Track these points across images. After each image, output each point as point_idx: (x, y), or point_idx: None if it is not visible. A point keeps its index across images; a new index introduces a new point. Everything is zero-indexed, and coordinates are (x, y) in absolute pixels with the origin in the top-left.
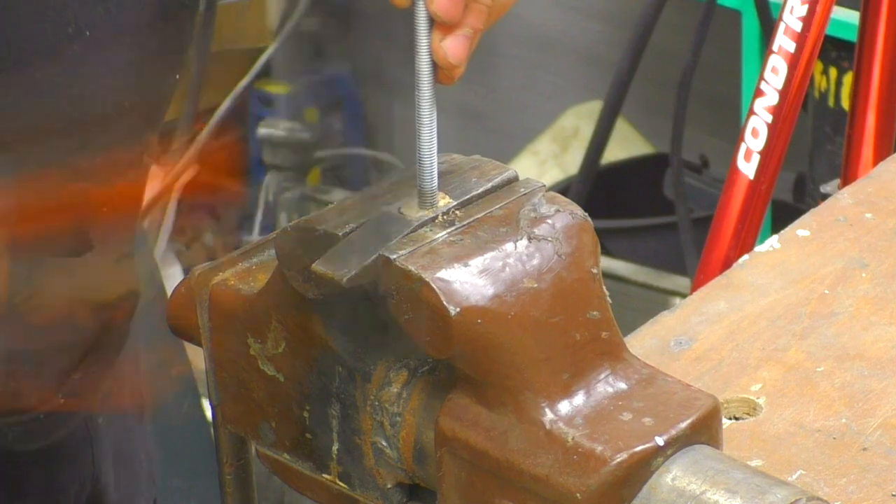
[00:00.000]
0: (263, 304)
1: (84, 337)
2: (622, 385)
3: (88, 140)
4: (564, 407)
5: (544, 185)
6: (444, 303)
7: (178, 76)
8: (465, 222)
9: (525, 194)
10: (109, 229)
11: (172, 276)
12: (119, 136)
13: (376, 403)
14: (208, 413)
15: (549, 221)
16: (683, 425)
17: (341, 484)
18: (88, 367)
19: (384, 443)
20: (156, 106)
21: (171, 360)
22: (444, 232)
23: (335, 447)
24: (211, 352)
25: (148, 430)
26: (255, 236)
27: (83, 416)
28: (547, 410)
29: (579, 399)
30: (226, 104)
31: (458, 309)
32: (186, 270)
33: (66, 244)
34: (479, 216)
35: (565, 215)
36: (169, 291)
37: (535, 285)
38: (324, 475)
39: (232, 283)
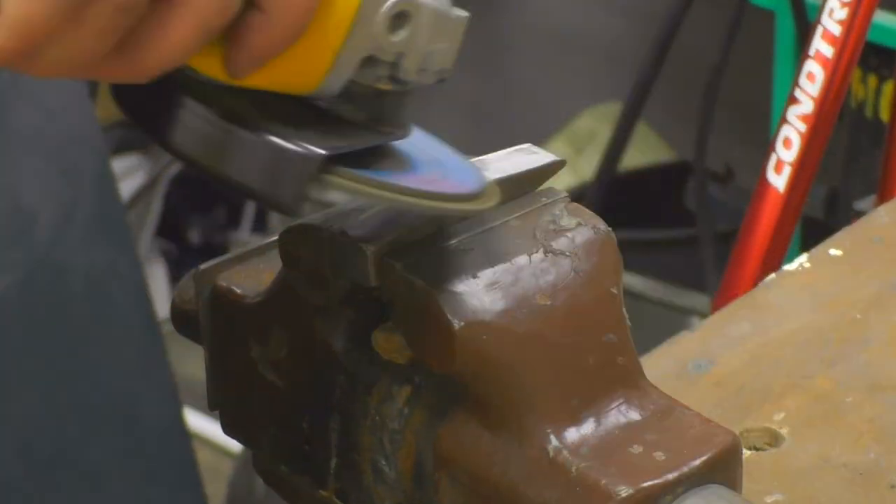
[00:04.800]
0: (266, 307)
1: None
2: (635, 415)
3: None
4: (571, 434)
5: (567, 196)
6: (448, 315)
7: None
8: (478, 230)
9: (546, 204)
10: None
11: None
12: None
13: (377, 418)
14: (189, 422)
15: (569, 235)
16: (697, 462)
17: (338, 501)
18: None
19: (383, 461)
20: None
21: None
22: (455, 239)
23: (333, 462)
24: (211, 353)
25: None
26: (245, 234)
27: None
28: (552, 437)
29: (588, 427)
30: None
31: (462, 322)
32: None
33: None
34: (493, 224)
35: (587, 229)
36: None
37: (549, 302)
38: (321, 491)
39: (236, 282)
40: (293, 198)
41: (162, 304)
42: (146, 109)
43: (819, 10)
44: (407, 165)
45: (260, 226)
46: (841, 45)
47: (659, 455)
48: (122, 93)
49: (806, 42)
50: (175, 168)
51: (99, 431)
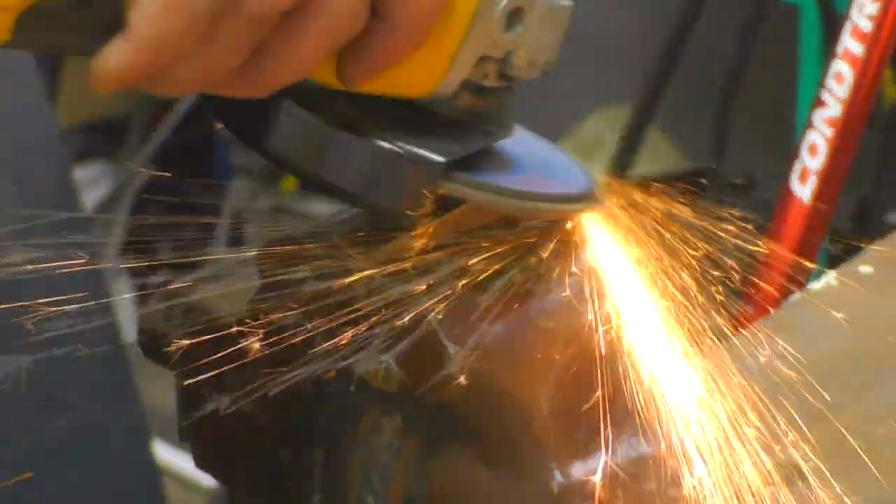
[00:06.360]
0: (244, 328)
1: None
2: (647, 449)
3: None
4: (577, 470)
5: None
6: (443, 339)
7: None
8: None
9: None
10: None
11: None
12: None
13: (364, 451)
14: (158, 455)
15: (578, 253)
16: None
17: None
18: None
19: (371, 498)
20: None
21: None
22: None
23: (316, 498)
24: (182, 379)
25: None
26: (220, 249)
27: None
28: (556, 472)
29: (595, 461)
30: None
31: (458, 346)
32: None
33: None
34: None
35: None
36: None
37: (552, 325)
38: None
39: (210, 302)
40: (411, 204)
41: (129, 325)
42: (241, 114)
43: (847, 4)
44: (512, 166)
45: (235, 240)
46: (871, 42)
47: (673, 492)
48: (213, 97)
49: (833, 39)
50: (143, 177)
51: (59, 464)
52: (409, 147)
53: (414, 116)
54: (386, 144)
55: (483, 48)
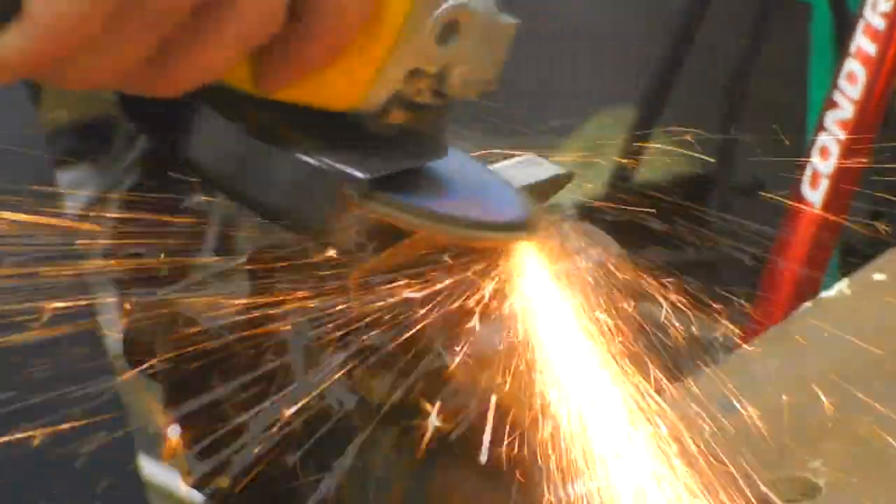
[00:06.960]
0: (233, 339)
1: None
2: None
3: None
4: (580, 486)
5: (575, 212)
6: (440, 352)
7: None
8: None
9: (552, 222)
10: None
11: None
12: None
13: (360, 465)
14: (144, 470)
15: (577, 258)
16: None
17: None
18: None
19: None
20: None
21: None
22: None
23: None
24: (170, 392)
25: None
26: (208, 256)
27: None
28: (560, 487)
29: (600, 475)
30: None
31: (458, 357)
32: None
33: None
34: None
35: (596, 251)
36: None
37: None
38: None
39: (198, 311)
40: (329, 222)
41: (114, 336)
42: (159, 120)
43: (860, 1)
44: (444, 188)
45: (223, 249)
46: (885, 40)
47: None
48: (131, 100)
49: (845, 38)
50: (128, 181)
51: (41, 481)
52: (331, 162)
53: (341, 131)
54: (307, 158)
55: (414, 61)
